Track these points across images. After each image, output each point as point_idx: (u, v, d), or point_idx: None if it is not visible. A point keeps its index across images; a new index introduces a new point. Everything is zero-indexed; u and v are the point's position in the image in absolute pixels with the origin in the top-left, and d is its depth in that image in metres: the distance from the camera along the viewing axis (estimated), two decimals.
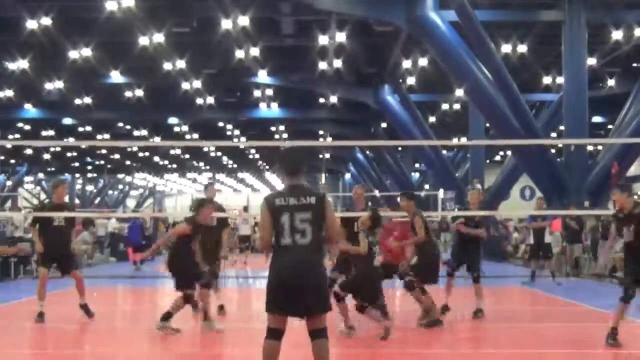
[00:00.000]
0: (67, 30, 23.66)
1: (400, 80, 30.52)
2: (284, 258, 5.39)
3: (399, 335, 9.27)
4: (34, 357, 8.63)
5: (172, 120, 39.02)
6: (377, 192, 46.56)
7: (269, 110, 36.00)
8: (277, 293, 5.36)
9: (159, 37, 23.48)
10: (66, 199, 12.67)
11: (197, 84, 30.08)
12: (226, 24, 22.36)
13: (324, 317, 5.42)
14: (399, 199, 11.19)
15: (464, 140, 36.37)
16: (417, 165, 48.14)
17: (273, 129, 41.18)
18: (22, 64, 26.43)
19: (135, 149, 49.38)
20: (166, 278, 18.90)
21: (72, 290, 10.46)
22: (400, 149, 43.84)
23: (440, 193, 28.22)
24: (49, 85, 30.21)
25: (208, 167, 63.93)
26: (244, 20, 22.14)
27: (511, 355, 8.08)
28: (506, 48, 24.36)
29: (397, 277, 10.30)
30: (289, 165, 5.62)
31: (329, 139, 42.11)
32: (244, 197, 77.25)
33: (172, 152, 51.75)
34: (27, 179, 65.78)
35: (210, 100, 33.10)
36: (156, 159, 56.11)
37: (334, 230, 5.59)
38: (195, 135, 42.57)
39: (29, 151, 50.28)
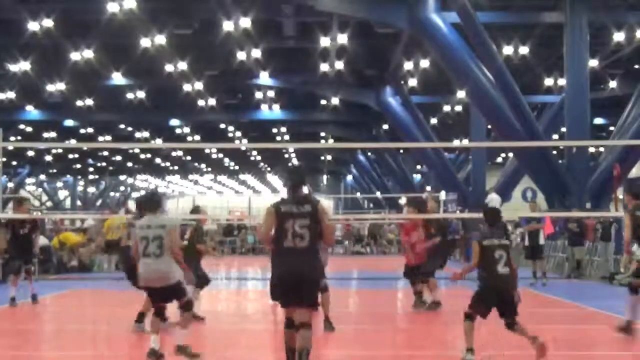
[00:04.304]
0: (68, 32, 23.69)
1: (402, 82, 30.52)
2: (286, 258, 6.24)
3: (399, 336, 9.25)
4: (33, 359, 8.62)
5: (174, 122, 39.06)
6: (378, 194, 46.62)
7: (271, 112, 35.99)
8: (277, 287, 6.33)
9: (161, 39, 23.51)
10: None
11: (199, 85, 30.09)
12: (228, 25, 22.39)
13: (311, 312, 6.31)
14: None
15: (465, 142, 36.34)
16: (418, 167, 48.12)
17: (275, 130, 41.17)
18: (23, 65, 26.47)
19: (136, 150, 49.39)
20: None
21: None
22: (401, 150, 43.82)
23: (442, 195, 28.15)
24: (50, 87, 30.22)
25: (210, 169, 63.95)
26: (245, 22, 22.17)
27: (513, 357, 8.07)
28: (508, 50, 24.36)
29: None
30: (293, 180, 6.48)
31: (331, 141, 42.10)
32: (245, 198, 77.29)
33: (173, 153, 51.76)
34: (28, 180, 65.83)
35: (212, 102, 33.10)
36: (158, 160, 56.15)
37: (327, 234, 6.39)
38: (197, 137, 42.57)
39: (30, 153, 50.30)
